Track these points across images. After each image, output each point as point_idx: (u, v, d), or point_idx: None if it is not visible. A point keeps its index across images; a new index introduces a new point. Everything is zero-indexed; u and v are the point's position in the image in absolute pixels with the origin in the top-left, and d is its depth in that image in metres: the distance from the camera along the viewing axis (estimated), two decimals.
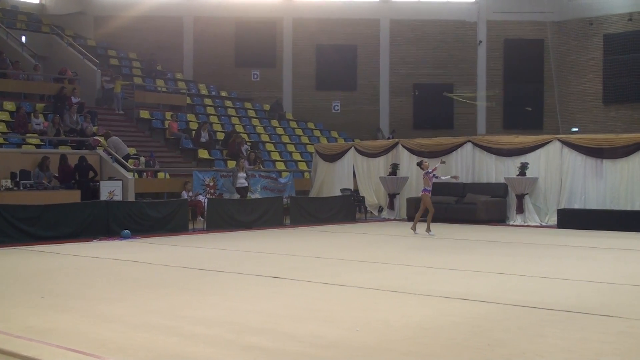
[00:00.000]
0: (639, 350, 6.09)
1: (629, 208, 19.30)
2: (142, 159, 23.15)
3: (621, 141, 19.95)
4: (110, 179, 20.36)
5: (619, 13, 32.47)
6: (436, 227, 19.57)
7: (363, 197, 24.07)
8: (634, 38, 31.88)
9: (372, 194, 24.32)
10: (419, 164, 18.36)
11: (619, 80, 32.22)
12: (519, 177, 20.56)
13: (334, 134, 33.27)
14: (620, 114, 32.26)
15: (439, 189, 22.36)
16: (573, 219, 19.23)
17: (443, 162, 18.71)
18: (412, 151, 23.49)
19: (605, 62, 32.80)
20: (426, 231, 17.36)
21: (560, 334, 6.65)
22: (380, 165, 24.12)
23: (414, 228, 17.68)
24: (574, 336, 6.55)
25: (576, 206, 20.07)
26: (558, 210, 19.89)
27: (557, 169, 20.64)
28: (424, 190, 17.53)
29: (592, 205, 19.91)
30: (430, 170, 17.43)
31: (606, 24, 32.88)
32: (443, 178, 18.37)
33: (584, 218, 19.13)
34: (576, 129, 31.74)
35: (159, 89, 30.63)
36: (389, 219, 22.86)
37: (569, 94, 33.78)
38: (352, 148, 25.06)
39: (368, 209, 24.08)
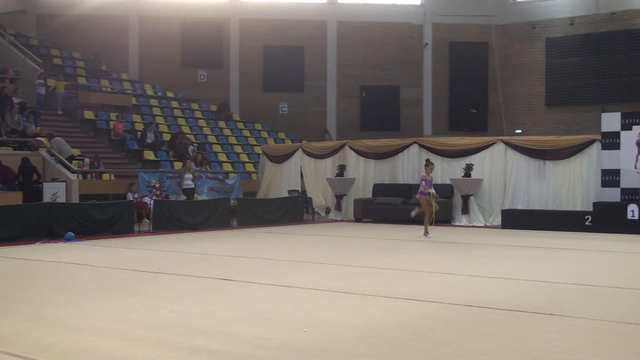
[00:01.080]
0: (581, 347, 6.22)
1: (570, 208, 19.73)
2: (87, 160, 22.80)
3: (563, 143, 20.39)
4: (53, 180, 19.99)
5: (561, 17, 33.13)
6: (383, 228, 19.74)
7: (310, 199, 24.11)
8: (576, 42, 32.56)
9: (320, 195, 24.37)
10: (425, 165, 17.66)
11: (561, 83, 32.88)
12: (464, 178, 20.82)
13: (281, 135, 33.23)
14: (562, 116, 32.90)
15: (386, 190, 22.60)
16: (517, 220, 19.57)
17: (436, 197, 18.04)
18: (359, 152, 23.63)
19: (548, 65, 33.42)
20: (424, 234, 16.97)
21: (505, 332, 6.75)
22: (328, 166, 24.19)
23: (426, 232, 17.04)
24: (518, 335, 6.66)
25: (520, 207, 20.42)
26: (502, 210, 20.21)
27: (502, 170, 20.97)
28: (420, 193, 17.10)
29: (535, 205, 20.30)
30: (430, 180, 17.06)
31: (549, 28, 33.50)
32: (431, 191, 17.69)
33: (527, 218, 19.48)
34: (520, 131, 32.27)
35: (104, 89, 30.21)
36: (336, 220, 22.93)
37: (513, 96, 34.34)
38: (300, 149, 25.08)
39: (315, 210, 24.13)
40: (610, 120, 19.22)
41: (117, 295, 9.00)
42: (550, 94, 33.35)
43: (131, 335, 6.71)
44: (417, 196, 17.41)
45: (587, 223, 18.56)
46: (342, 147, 24.08)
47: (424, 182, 17.09)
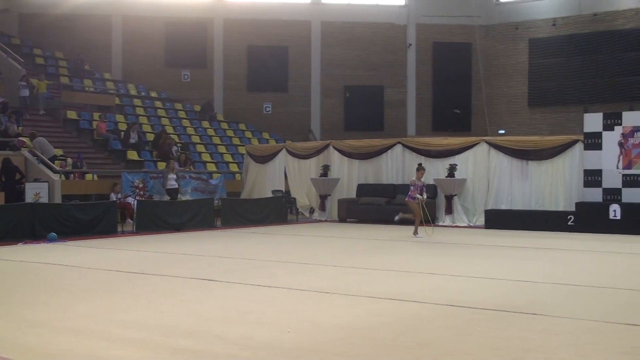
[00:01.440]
0: (563, 346, 6.26)
1: (553, 208, 19.85)
2: (69, 160, 22.69)
3: (546, 143, 20.51)
4: (36, 180, 19.87)
5: (544, 18, 33.31)
6: (366, 229, 19.78)
7: (294, 199, 24.10)
8: (558, 43, 32.74)
9: (304, 195, 24.38)
10: (417, 170, 17.85)
11: (544, 84, 33.07)
12: (448, 178, 20.89)
13: (265, 135, 33.20)
14: (545, 116, 33.08)
15: (370, 190, 22.63)
16: (500, 220, 19.66)
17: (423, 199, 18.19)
18: (343, 153, 23.66)
19: (531, 65, 33.59)
20: (413, 234, 17.11)
21: (487, 332, 6.79)
22: (312, 166, 24.20)
23: (415, 232, 17.23)
24: (500, 334, 6.69)
25: (503, 207, 20.51)
26: (485, 210, 20.29)
27: (485, 170, 21.06)
28: (409, 197, 17.21)
29: (518, 205, 20.40)
30: (420, 185, 17.19)
31: (531, 29, 33.68)
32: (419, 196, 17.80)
33: (511, 218, 19.58)
34: (503, 131, 32.42)
35: (87, 89, 30.06)
36: (320, 220, 22.95)
37: (496, 96, 34.49)
38: (284, 149, 25.08)
39: (299, 210, 24.13)
40: (593, 121, 19.35)
41: (100, 296, 8.96)
42: (533, 95, 33.53)
43: (114, 336, 6.69)
44: (406, 199, 17.50)
45: (569, 223, 18.68)
46: (326, 147, 24.10)
47: (412, 187, 17.20)
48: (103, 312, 7.86)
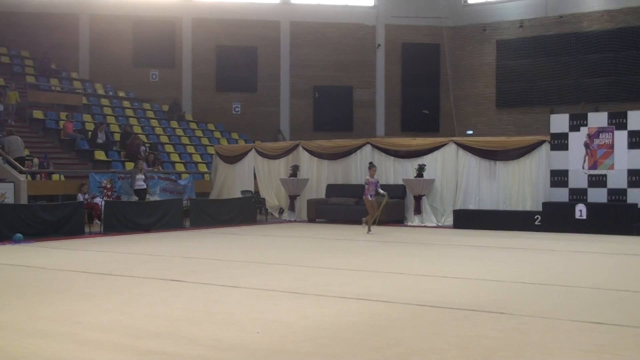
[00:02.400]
0: (530, 345, 6.32)
1: (520, 208, 20.03)
2: (36, 160, 22.44)
3: (513, 144, 20.70)
4: (1, 181, 19.62)
5: (511, 20, 33.61)
6: (336, 229, 19.83)
7: (264, 199, 24.06)
8: (525, 44, 33.05)
9: (273, 196, 24.35)
10: (370, 167, 18.76)
11: (511, 85, 33.37)
12: (417, 178, 20.99)
13: (235, 135, 33.11)
14: (512, 117, 33.38)
15: (339, 190, 22.66)
16: (468, 219, 19.80)
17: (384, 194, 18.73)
18: (312, 153, 23.67)
19: (498, 67, 33.87)
20: (367, 232, 17.91)
21: (456, 331, 6.83)
22: (281, 166, 24.18)
23: (368, 229, 18.12)
24: (468, 333, 6.73)
25: (471, 207, 20.66)
26: (454, 210, 20.42)
27: (453, 170, 21.19)
28: (366, 194, 18.17)
29: (486, 205, 20.56)
30: (373, 182, 17.99)
31: (499, 30, 33.97)
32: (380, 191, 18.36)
33: (479, 218, 19.73)
34: (471, 132, 32.67)
35: (54, 88, 29.74)
36: (289, 221, 22.93)
37: (464, 97, 34.74)
38: (253, 150, 25.02)
39: (269, 210, 24.09)
40: (559, 122, 19.57)
41: (67, 297, 8.87)
42: (501, 96, 33.81)
43: (80, 338, 6.62)
44: (363, 197, 18.42)
45: (536, 223, 18.87)
46: (295, 147, 24.09)
47: (366, 185, 18.04)
48: (69, 314, 7.77)
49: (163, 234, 18.28)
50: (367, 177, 18.29)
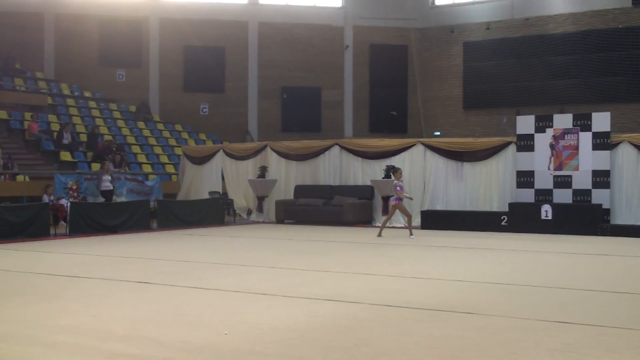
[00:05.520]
0: (497, 345, 6.37)
1: (487, 209, 20.19)
2: (0, 161, 22.13)
3: (480, 145, 20.86)
4: None
5: (478, 22, 33.90)
6: (304, 230, 19.82)
7: (232, 200, 23.99)
8: (491, 46, 33.35)
9: (241, 197, 24.27)
10: (394, 172, 18.28)
11: (478, 87, 33.65)
12: (385, 179, 21.04)
13: (202, 136, 32.97)
14: (479, 118, 33.65)
15: (308, 191, 22.65)
16: (436, 220, 19.90)
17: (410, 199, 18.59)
18: (280, 154, 23.64)
19: (465, 68, 34.14)
20: (410, 236, 17.10)
21: (424, 331, 6.86)
22: (249, 167, 24.11)
23: (380, 234, 17.44)
24: (436, 334, 6.77)
25: (438, 207, 20.78)
26: (421, 211, 20.51)
27: (421, 171, 21.30)
28: (396, 199, 17.32)
29: (454, 206, 20.69)
30: (399, 186, 17.33)
31: (466, 32, 34.24)
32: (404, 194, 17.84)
33: (446, 219, 19.84)
34: (438, 133, 32.87)
35: (18, 88, 29.37)
36: (257, 222, 22.87)
37: (431, 98, 34.95)
38: (221, 150, 24.92)
39: (237, 211, 24.02)
40: (525, 123, 19.78)
41: (32, 300, 8.75)
42: (468, 97, 34.08)
43: (46, 341, 6.54)
44: (393, 202, 17.55)
45: (503, 223, 19.03)
46: (263, 148, 24.03)
47: (398, 188, 17.29)
48: (34, 316, 7.67)
49: (130, 236, 18.13)
50: (396, 180, 17.56)
